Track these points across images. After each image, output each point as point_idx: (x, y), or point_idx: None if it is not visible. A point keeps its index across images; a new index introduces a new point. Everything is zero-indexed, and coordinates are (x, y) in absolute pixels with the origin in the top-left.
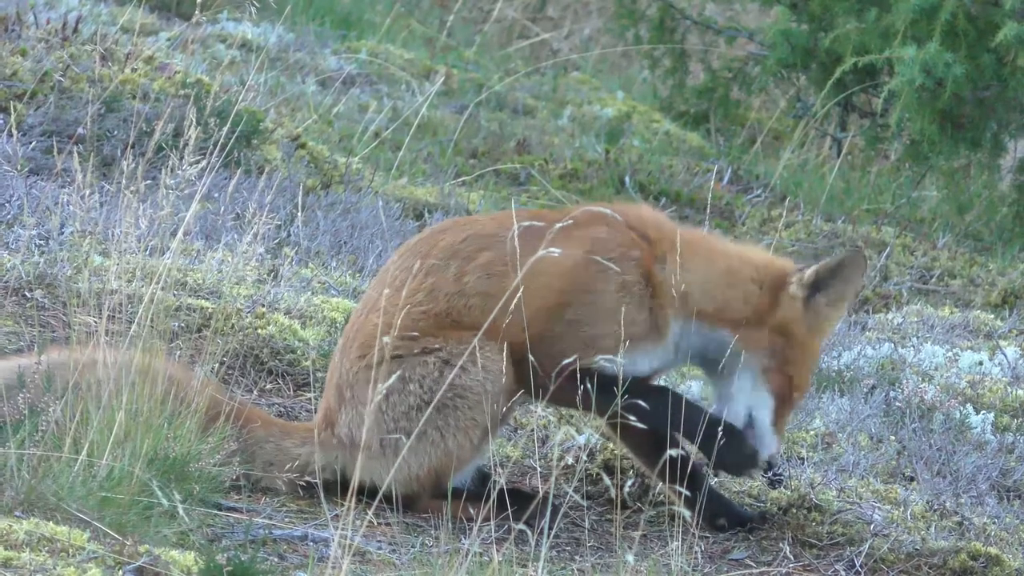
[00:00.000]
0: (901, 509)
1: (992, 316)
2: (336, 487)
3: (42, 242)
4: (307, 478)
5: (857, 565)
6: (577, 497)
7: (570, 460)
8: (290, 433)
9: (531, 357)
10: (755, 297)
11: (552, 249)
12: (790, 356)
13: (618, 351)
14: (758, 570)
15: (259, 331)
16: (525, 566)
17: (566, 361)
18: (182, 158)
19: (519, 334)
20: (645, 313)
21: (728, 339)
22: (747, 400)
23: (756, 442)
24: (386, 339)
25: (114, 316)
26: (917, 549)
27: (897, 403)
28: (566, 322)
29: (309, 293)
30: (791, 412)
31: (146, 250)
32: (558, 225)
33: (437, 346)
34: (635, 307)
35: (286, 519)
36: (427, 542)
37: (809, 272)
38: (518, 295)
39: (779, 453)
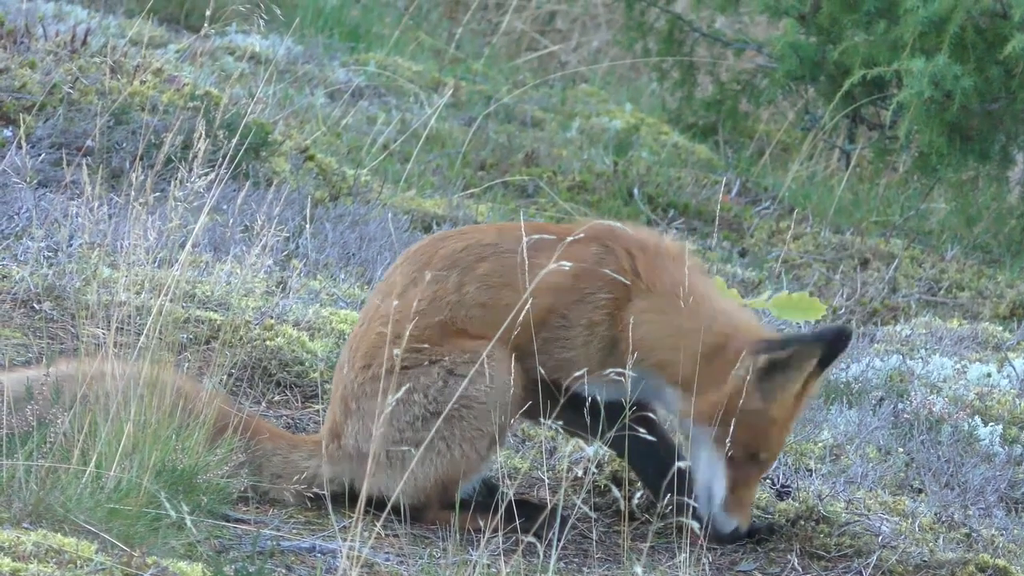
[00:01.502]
0: (909, 521)
1: (1000, 328)
2: (344, 498)
3: (51, 254)
4: (315, 490)
5: None
6: (585, 508)
7: (578, 472)
8: (297, 446)
9: (540, 370)
10: (698, 365)
11: (564, 263)
12: (746, 436)
13: (588, 375)
14: None
15: (267, 343)
16: None
17: (577, 381)
18: (191, 170)
19: (523, 343)
20: (606, 352)
21: (674, 398)
22: (706, 474)
23: (714, 519)
24: (396, 352)
25: (122, 328)
26: (925, 561)
27: (905, 415)
28: (541, 339)
29: (317, 305)
30: (755, 482)
31: (155, 262)
32: (569, 239)
33: (441, 356)
34: (597, 345)
35: (294, 531)
36: (435, 554)
37: (762, 359)
38: (516, 307)
39: (742, 527)
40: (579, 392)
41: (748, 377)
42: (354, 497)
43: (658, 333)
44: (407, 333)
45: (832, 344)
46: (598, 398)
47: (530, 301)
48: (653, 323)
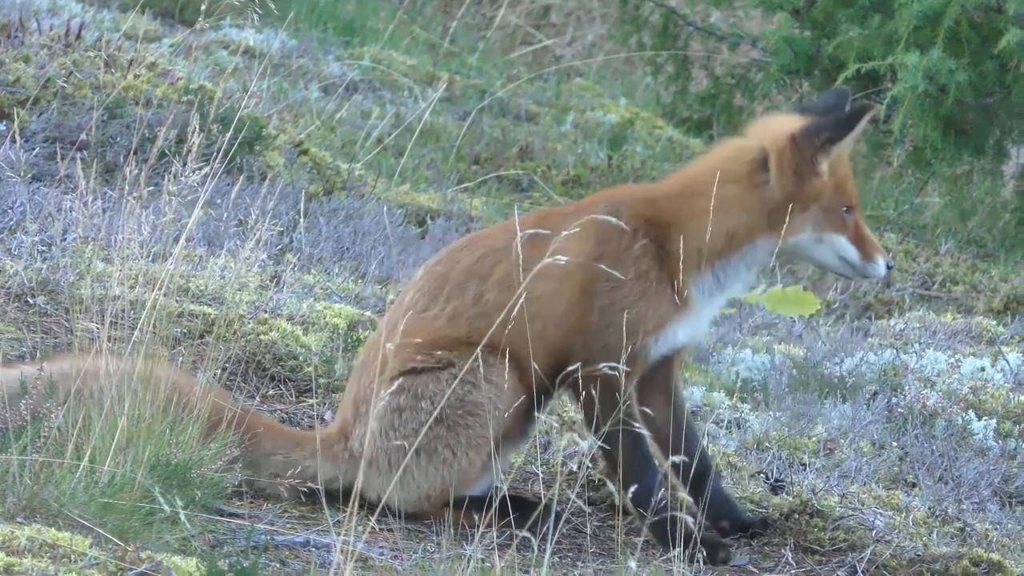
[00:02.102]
0: (903, 515)
1: (994, 322)
2: (339, 494)
3: (45, 248)
4: (310, 484)
5: (859, 571)
6: (580, 503)
7: (573, 466)
8: (300, 444)
9: (573, 360)
10: (758, 200)
11: (559, 257)
12: (830, 202)
13: (659, 331)
14: None
15: (261, 337)
16: (527, 572)
17: (601, 363)
18: (185, 164)
19: (549, 338)
20: (668, 291)
21: (767, 243)
22: (829, 255)
23: (865, 273)
24: (389, 345)
25: (116, 322)
26: (919, 555)
27: (899, 409)
28: (597, 310)
29: (311, 299)
30: (863, 222)
31: (149, 256)
32: (564, 233)
33: (451, 362)
34: (655, 289)
35: (288, 525)
36: (429, 548)
37: (833, 147)
38: (520, 304)
39: (887, 261)
40: (651, 353)
41: (815, 166)
42: (351, 492)
43: (715, 223)
44: (400, 328)
45: (846, 99)
46: (667, 352)
47: (563, 285)
48: (700, 223)
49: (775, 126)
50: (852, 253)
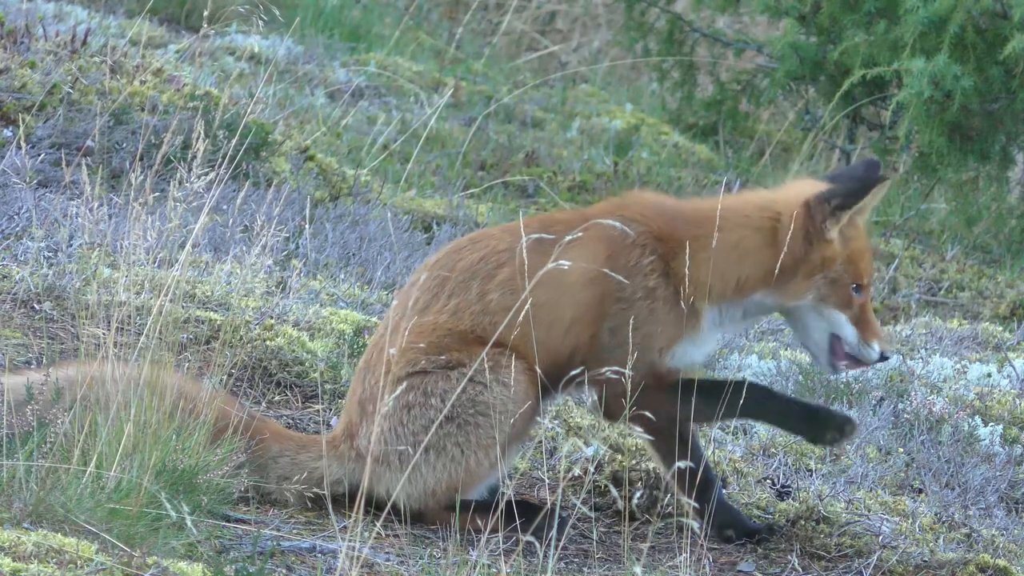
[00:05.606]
0: (909, 521)
1: (1001, 328)
2: (345, 499)
3: (51, 254)
4: (315, 490)
5: None
6: (585, 509)
7: (578, 472)
8: (306, 446)
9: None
10: (771, 258)
11: (562, 262)
12: (839, 275)
13: (670, 348)
14: None
15: (267, 343)
16: None
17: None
18: (191, 170)
19: (553, 347)
20: (677, 309)
21: (766, 300)
22: (823, 329)
23: (858, 355)
24: (392, 351)
25: (123, 328)
26: (925, 561)
27: (906, 415)
28: (607, 330)
29: (317, 305)
30: (869, 305)
31: (155, 262)
32: (568, 238)
33: (461, 361)
34: (665, 308)
35: (294, 531)
36: (435, 554)
37: (843, 214)
38: (526, 308)
39: (887, 346)
40: (670, 367)
41: (823, 232)
42: (357, 493)
43: (717, 264)
44: (404, 331)
45: (875, 171)
46: (688, 366)
47: (570, 297)
48: (718, 256)
49: (797, 189)
50: (851, 332)
